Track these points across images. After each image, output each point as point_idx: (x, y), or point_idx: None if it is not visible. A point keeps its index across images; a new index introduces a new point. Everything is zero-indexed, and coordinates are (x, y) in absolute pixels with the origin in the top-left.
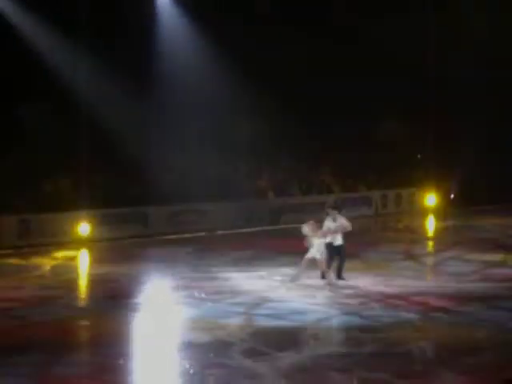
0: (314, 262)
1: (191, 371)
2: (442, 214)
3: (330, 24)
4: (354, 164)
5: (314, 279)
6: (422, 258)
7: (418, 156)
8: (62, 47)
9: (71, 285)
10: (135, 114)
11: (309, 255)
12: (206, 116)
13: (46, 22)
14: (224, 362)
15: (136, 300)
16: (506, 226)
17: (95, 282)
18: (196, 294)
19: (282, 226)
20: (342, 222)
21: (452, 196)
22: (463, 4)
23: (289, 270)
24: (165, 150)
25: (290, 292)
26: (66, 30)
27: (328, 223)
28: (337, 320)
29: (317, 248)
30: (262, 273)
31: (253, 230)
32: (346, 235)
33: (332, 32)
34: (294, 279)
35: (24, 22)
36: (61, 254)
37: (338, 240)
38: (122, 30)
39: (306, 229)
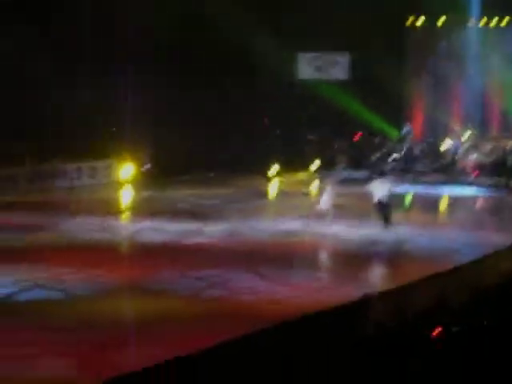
0: None
1: None
2: (138, 185)
3: None
4: (46, 136)
5: None
6: (120, 229)
7: (113, 129)
8: None
9: None
10: None
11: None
12: None
13: None
14: None
15: None
16: (199, 196)
17: None
18: None
19: None
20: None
21: (147, 167)
22: None
23: None
24: None
25: None
26: None
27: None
28: (29, 294)
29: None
30: None
31: None
32: None
33: None
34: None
35: None
36: None
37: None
38: None
39: None
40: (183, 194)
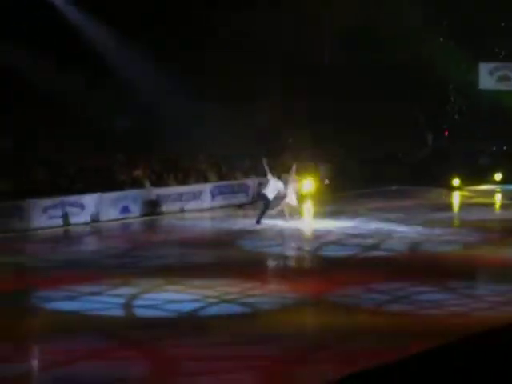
0: None
1: None
2: (319, 199)
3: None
4: (229, 151)
5: None
6: (303, 243)
7: (290, 140)
8: None
9: None
10: None
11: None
12: None
13: None
14: None
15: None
16: (382, 209)
17: None
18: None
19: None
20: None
21: (327, 181)
22: None
23: None
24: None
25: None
26: None
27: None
28: (216, 308)
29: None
30: None
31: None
32: None
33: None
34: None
35: None
36: None
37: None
38: None
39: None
40: (365, 208)
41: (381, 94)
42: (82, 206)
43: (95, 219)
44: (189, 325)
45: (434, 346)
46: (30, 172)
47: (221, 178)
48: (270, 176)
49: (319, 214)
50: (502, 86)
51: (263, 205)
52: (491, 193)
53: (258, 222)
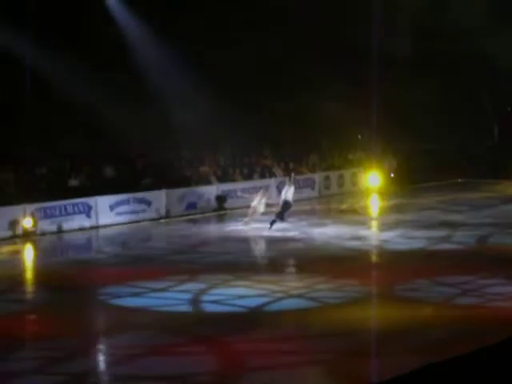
0: None
1: None
2: (385, 193)
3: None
4: (295, 146)
5: None
6: (370, 237)
7: (359, 136)
8: None
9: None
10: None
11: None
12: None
13: None
14: None
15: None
16: (448, 202)
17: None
18: None
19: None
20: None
21: (392, 175)
22: None
23: None
24: (104, 140)
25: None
26: None
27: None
28: (283, 303)
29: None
30: None
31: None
32: None
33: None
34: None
35: None
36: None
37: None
38: None
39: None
40: (432, 201)
41: (447, 83)
42: (148, 203)
43: (162, 215)
44: (256, 320)
45: (503, 339)
46: (97, 169)
47: (287, 173)
48: (287, 181)
49: (385, 208)
50: None
51: (282, 209)
52: None
53: (271, 225)
